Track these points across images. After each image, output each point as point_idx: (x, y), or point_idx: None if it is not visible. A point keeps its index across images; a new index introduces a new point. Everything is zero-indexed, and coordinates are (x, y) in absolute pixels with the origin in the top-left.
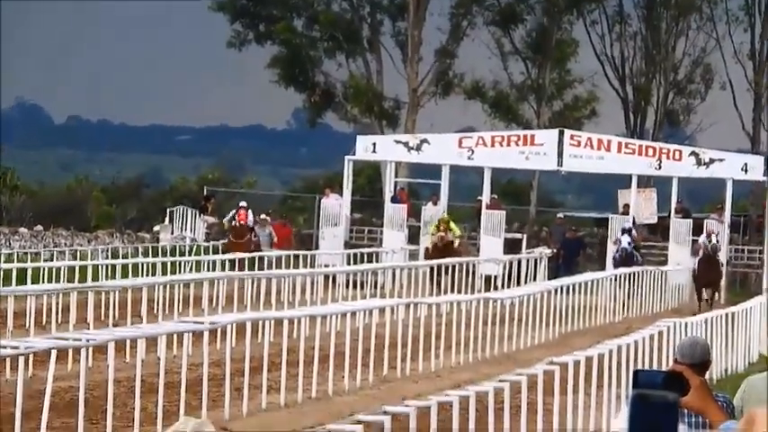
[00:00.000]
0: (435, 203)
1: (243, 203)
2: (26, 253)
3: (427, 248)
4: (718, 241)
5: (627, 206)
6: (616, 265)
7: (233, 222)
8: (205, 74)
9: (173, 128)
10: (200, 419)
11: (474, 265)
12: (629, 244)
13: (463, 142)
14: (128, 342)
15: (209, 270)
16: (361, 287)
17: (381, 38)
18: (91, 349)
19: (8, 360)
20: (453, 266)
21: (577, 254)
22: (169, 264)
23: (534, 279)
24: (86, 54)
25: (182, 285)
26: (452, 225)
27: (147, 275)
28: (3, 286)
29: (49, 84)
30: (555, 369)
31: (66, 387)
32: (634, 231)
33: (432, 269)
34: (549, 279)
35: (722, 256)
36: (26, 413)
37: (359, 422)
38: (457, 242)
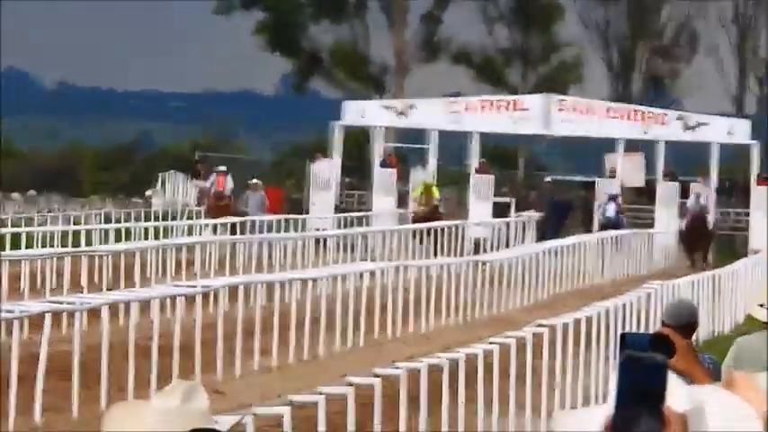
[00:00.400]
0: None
1: (221, 168)
2: (20, 218)
3: (415, 213)
4: (705, 203)
5: (614, 170)
6: (599, 229)
7: (211, 187)
8: (194, 40)
9: (163, 94)
10: (193, 382)
11: (463, 229)
12: (616, 212)
13: (451, 107)
14: (121, 306)
15: (200, 234)
16: (352, 251)
17: (368, 3)
18: (85, 313)
19: (3, 324)
20: (442, 229)
21: (565, 217)
22: (162, 228)
23: (522, 242)
24: (75, 19)
25: (174, 249)
26: (434, 190)
27: (140, 240)
28: None
29: (38, 49)
30: (544, 331)
31: (61, 351)
32: (620, 198)
33: (418, 232)
34: (537, 242)
35: (710, 219)
36: (21, 377)
37: (350, 384)
38: (440, 206)
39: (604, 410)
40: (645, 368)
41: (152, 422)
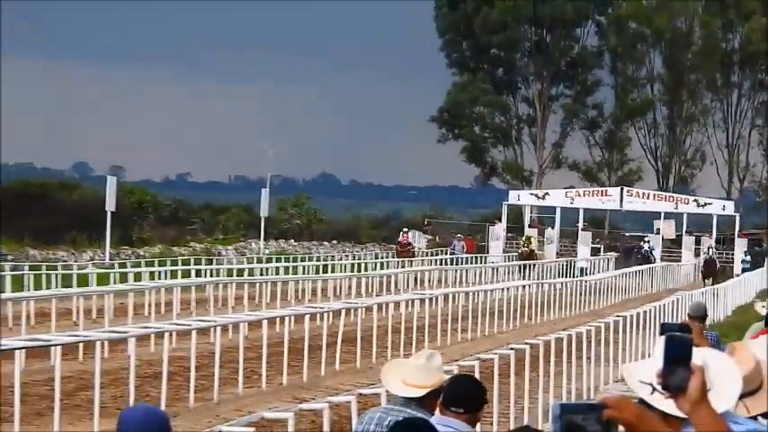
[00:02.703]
0: (536, 226)
1: (405, 229)
2: (326, 257)
3: (520, 254)
4: (714, 251)
5: (659, 229)
6: (639, 263)
7: (400, 240)
8: (425, 158)
9: (405, 186)
10: (433, 350)
11: (574, 262)
12: (649, 249)
13: (567, 194)
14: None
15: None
16: (521, 272)
17: (522, 137)
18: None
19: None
20: (563, 263)
21: (631, 256)
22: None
23: (607, 270)
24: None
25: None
26: (532, 240)
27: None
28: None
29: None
30: (620, 319)
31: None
32: (652, 243)
33: (519, 267)
34: (616, 269)
35: (715, 259)
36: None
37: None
38: (536, 250)
39: (655, 364)
40: (679, 341)
41: (408, 371)
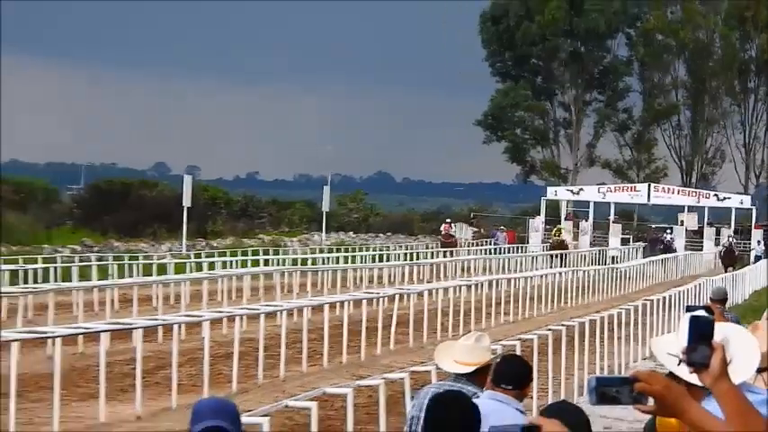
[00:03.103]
0: (572, 219)
1: (448, 220)
2: (382, 247)
3: (551, 243)
4: (733, 240)
5: (682, 221)
6: (661, 252)
7: (443, 231)
8: (471, 157)
9: (451, 183)
10: (481, 332)
11: (605, 251)
12: (671, 239)
13: (600, 189)
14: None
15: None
16: (556, 262)
17: (559, 138)
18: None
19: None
20: (596, 252)
21: (657, 246)
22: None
23: (636, 258)
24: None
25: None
26: (563, 231)
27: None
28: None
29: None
30: (648, 303)
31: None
32: (674, 234)
33: (554, 255)
34: (644, 258)
35: (735, 249)
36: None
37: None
38: (567, 241)
39: (680, 338)
40: (702, 322)
41: (458, 351)
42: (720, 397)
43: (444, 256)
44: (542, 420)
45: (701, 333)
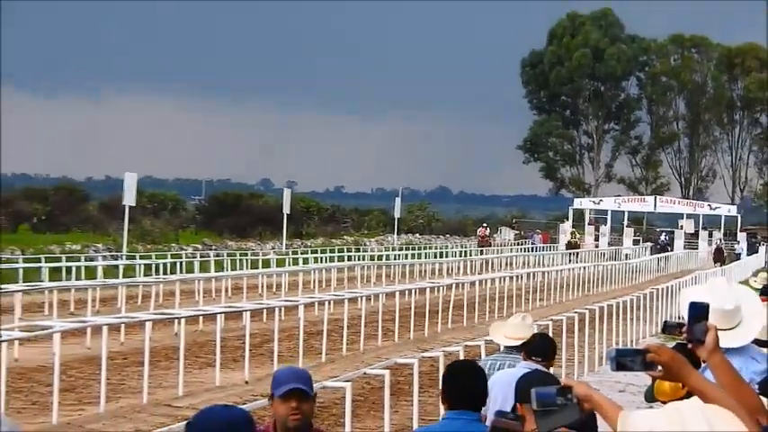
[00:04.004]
0: (593, 224)
1: (484, 224)
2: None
3: (567, 244)
4: (723, 242)
5: (682, 226)
6: (657, 251)
7: (479, 233)
8: (514, 174)
9: (498, 195)
10: (525, 313)
11: (619, 250)
12: (665, 239)
13: (616, 200)
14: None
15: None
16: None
17: (584, 159)
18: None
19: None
20: (612, 251)
21: (662, 246)
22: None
23: (645, 255)
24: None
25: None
26: (577, 233)
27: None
28: None
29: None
30: (654, 291)
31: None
32: (668, 237)
33: (570, 253)
34: (651, 255)
35: (724, 249)
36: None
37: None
38: (579, 241)
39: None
40: (698, 306)
41: (509, 328)
42: (715, 367)
43: (492, 254)
44: (572, 382)
45: (697, 315)
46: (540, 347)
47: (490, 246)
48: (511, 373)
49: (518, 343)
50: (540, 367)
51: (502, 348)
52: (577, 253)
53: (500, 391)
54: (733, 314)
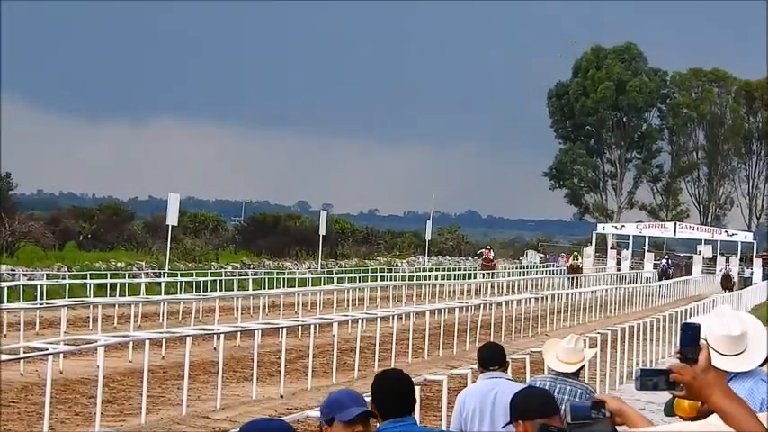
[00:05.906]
0: (616, 249)
1: (488, 247)
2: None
3: (568, 267)
4: (730, 268)
5: (700, 251)
6: (659, 276)
7: (482, 255)
8: (540, 200)
9: (525, 220)
10: (578, 335)
11: (641, 274)
12: (666, 264)
13: (638, 226)
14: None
15: (538, 274)
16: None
17: (607, 187)
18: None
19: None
20: (633, 275)
21: (682, 270)
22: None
23: (666, 280)
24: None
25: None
26: (579, 256)
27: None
28: None
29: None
30: (673, 313)
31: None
32: (670, 260)
33: (571, 278)
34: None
35: (734, 274)
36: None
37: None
38: (581, 265)
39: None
40: (691, 327)
41: (561, 351)
42: (707, 386)
43: (517, 276)
44: (605, 397)
45: (691, 336)
46: (495, 356)
47: (494, 269)
48: (480, 386)
49: (572, 369)
50: (501, 375)
51: (552, 371)
52: (577, 278)
53: (472, 402)
54: (739, 340)
